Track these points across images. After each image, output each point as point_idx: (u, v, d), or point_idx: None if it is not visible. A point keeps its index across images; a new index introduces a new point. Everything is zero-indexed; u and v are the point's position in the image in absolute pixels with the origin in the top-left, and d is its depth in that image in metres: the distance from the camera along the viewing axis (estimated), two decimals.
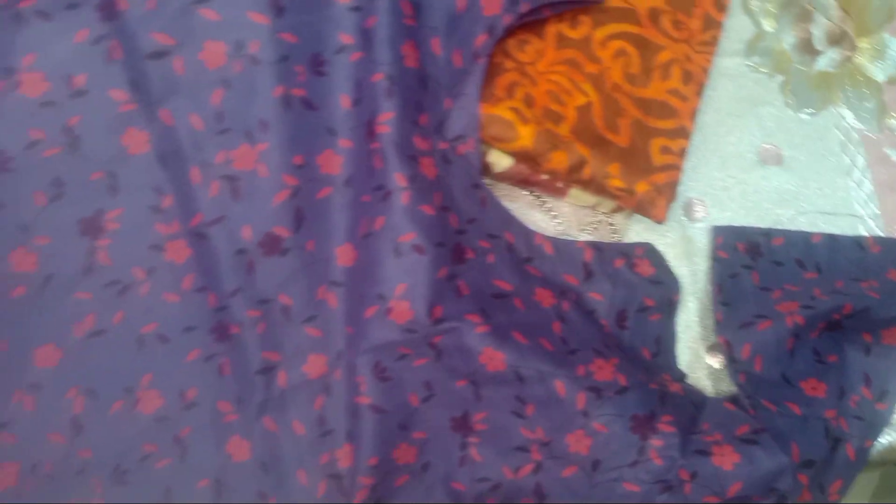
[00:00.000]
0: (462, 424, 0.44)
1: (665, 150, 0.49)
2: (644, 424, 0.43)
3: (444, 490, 0.44)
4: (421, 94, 0.45)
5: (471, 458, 0.44)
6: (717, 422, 0.44)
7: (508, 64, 0.48)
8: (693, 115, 0.51)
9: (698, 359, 0.50)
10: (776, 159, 0.54)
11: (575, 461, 0.43)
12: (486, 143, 0.47)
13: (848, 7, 0.57)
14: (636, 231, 0.51)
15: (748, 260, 0.50)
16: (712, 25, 0.54)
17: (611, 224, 0.51)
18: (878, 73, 0.57)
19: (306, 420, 0.43)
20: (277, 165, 0.42)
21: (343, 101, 0.43)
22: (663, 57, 0.52)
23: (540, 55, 0.50)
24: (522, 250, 0.47)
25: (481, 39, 0.46)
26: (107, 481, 0.41)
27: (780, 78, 0.56)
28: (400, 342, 0.43)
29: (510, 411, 0.44)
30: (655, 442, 0.43)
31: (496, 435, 0.44)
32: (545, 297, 0.47)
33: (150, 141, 0.41)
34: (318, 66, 0.42)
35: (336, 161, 0.43)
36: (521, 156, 0.47)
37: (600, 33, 0.51)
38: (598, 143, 0.48)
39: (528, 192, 0.51)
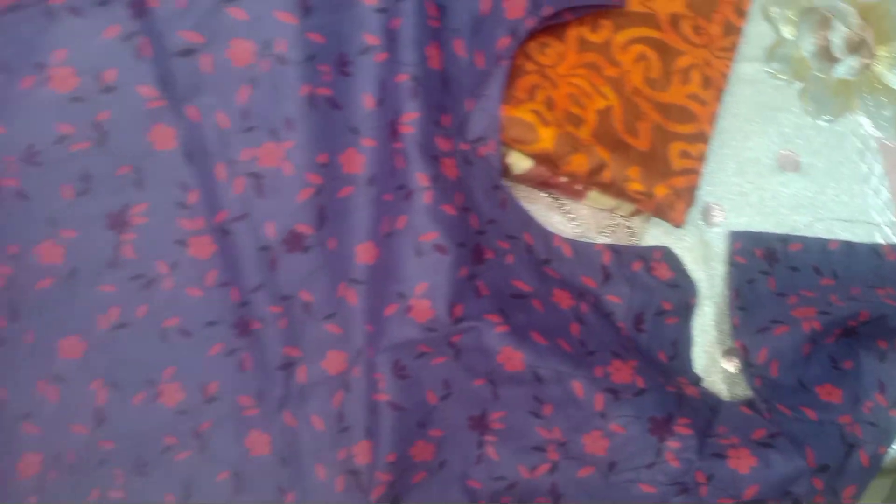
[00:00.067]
0: (479, 423, 0.44)
1: (684, 155, 0.50)
2: (661, 427, 0.44)
3: (459, 488, 0.44)
4: (444, 95, 0.45)
5: (487, 456, 0.44)
6: (733, 425, 0.45)
7: (529, 66, 0.49)
8: (712, 120, 0.51)
9: (714, 363, 0.50)
10: (794, 165, 0.55)
11: (591, 462, 0.44)
12: (507, 144, 0.47)
13: (867, 15, 0.57)
14: (654, 235, 0.52)
15: (765, 265, 0.51)
16: (732, 31, 0.54)
17: (628, 227, 0.52)
18: None
19: (325, 415, 0.43)
20: (302, 163, 0.42)
21: (367, 100, 0.43)
22: (683, 62, 0.52)
23: (561, 58, 0.50)
24: (541, 252, 0.48)
25: (504, 42, 0.46)
26: (128, 472, 0.42)
27: (798, 85, 0.56)
28: (419, 340, 0.43)
29: (528, 411, 0.44)
30: (672, 444, 0.43)
31: (513, 434, 0.44)
32: (563, 299, 0.47)
33: (177, 137, 0.42)
34: (343, 66, 0.43)
35: (358, 160, 0.43)
36: (541, 158, 0.48)
37: (621, 37, 0.51)
38: (618, 146, 0.48)
39: (546, 195, 0.52)
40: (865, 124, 0.56)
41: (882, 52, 0.58)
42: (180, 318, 0.42)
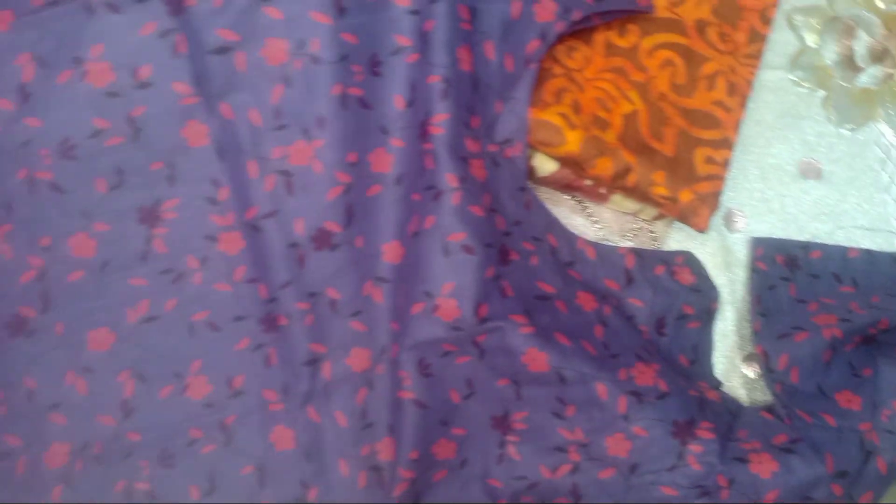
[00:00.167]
0: (502, 423, 0.45)
1: (709, 160, 0.50)
2: (684, 430, 0.44)
3: (480, 486, 0.44)
4: (473, 97, 0.45)
5: (509, 456, 0.44)
6: (753, 430, 0.45)
7: (557, 70, 0.49)
8: (737, 126, 0.52)
9: (734, 368, 0.50)
10: (816, 173, 0.55)
11: (613, 463, 0.44)
12: (533, 147, 0.48)
13: (891, 25, 0.58)
14: (676, 239, 0.52)
15: (786, 272, 0.51)
16: (757, 39, 0.54)
17: (651, 231, 0.52)
18: None
19: (349, 412, 0.43)
20: (332, 162, 0.43)
21: (397, 101, 0.43)
22: (709, 68, 0.52)
23: (588, 62, 0.50)
24: (565, 254, 0.48)
25: (533, 45, 0.46)
26: (153, 464, 0.42)
27: (821, 93, 0.57)
28: (444, 339, 0.44)
29: (550, 412, 0.44)
30: (694, 448, 0.44)
31: (535, 434, 0.44)
32: (587, 301, 0.47)
33: (210, 134, 0.42)
34: (374, 66, 0.43)
35: (387, 160, 0.44)
36: (566, 161, 0.48)
37: (648, 43, 0.52)
38: (644, 150, 0.49)
39: (569, 197, 0.52)
40: (887, 133, 0.57)
41: None
42: (209, 312, 0.43)
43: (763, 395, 0.49)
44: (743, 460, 0.44)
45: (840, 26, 0.58)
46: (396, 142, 0.44)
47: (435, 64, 0.44)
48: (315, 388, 0.44)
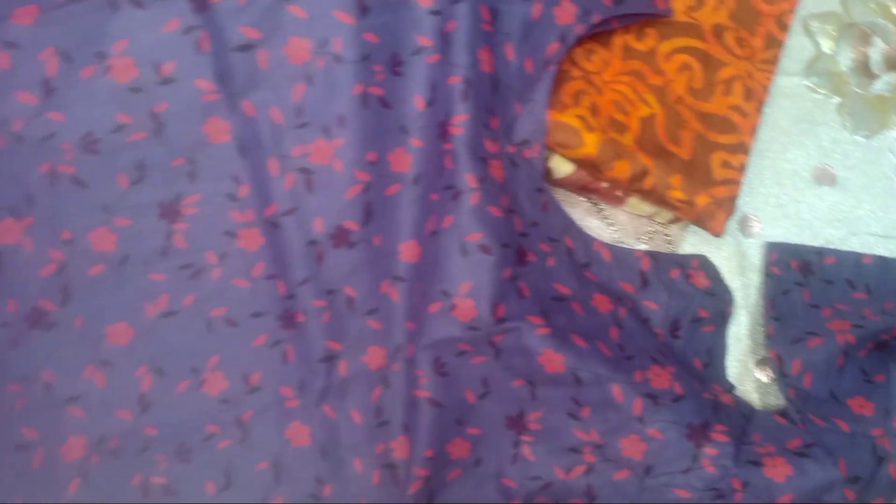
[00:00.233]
0: (516, 423, 0.45)
1: (725, 165, 0.50)
2: (699, 433, 0.44)
3: (495, 486, 0.45)
4: (493, 97, 0.46)
5: (523, 456, 0.45)
6: (767, 433, 0.45)
7: (575, 72, 0.49)
8: (753, 131, 0.52)
9: (747, 371, 0.50)
10: (830, 179, 0.55)
11: (627, 465, 0.44)
12: (550, 148, 0.48)
13: None
14: (691, 243, 0.52)
15: (800, 277, 0.51)
16: (774, 44, 0.54)
17: (666, 235, 0.52)
18: None
19: (364, 409, 0.44)
20: (351, 161, 0.43)
21: (417, 101, 0.44)
22: (726, 73, 0.52)
23: (606, 65, 0.50)
24: (581, 255, 0.48)
25: (553, 47, 0.47)
26: (170, 458, 0.42)
27: (837, 99, 0.57)
28: (461, 339, 0.44)
29: (565, 412, 0.44)
30: (709, 450, 0.44)
31: (550, 435, 0.45)
32: (602, 303, 0.47)
33: (231, 131, 0.42)
34: (395, 66, 0.43)
35: (406, 159, 0.44)
36: (583, 163, 0.48)
37: (665, 47, 0.52)
38: (661, 153, 0.49)
39: (584, 199, 0.52)
40: None
41: None
42: (227, 308, 0.43)
43: (775, 400, 0.49)
44: (757, 463, 0.44)
45: (856, 33, 0.58)
46: (416, 141, 0.44)
47: (456, 64, 0.44)
48: (331, 385, 0.44)
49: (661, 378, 0.45)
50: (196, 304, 0.43)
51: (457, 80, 0.44)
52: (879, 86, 0.57)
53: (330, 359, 0.44)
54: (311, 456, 0.43)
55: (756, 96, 0.53)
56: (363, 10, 0.42)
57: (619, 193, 0.50)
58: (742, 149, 0.51)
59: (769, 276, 0.51)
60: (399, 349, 0.44)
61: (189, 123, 0.42)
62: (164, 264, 0.43)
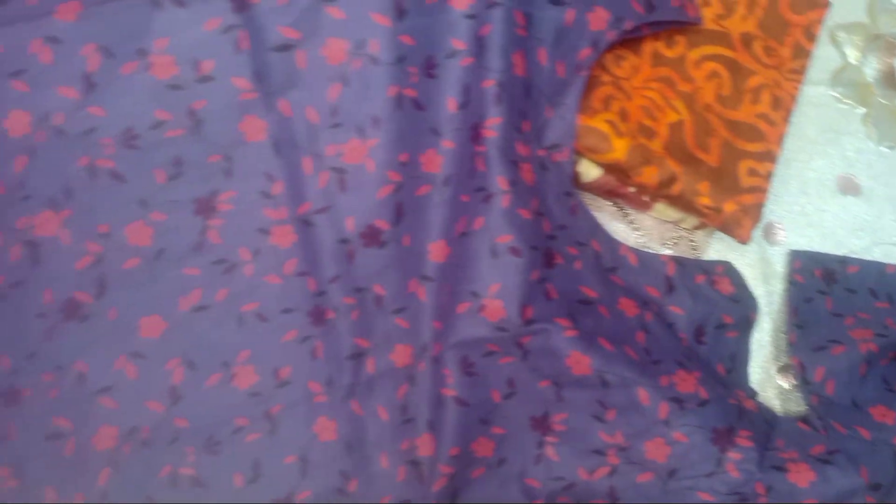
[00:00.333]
0: (541, 423, 0.45)
1: (752, 173, 0.51)
2: (723, 437, 0.44)
3: (518, 485, 0.45)
4: (525, 101, 0.46)
5: (547, 456, 0.45)
6: (790, 439, 0.46)
7: (605, 78, 0.50)
8: (780, 140, 0.52)
9: (769, 378, 0.51)
10: (854, 189, 0.55)
11: (651, 468, 0.45)
12: (578, 153, 0.48)
13: None
14: (716, 249, 0.53)
15: (823, 285, 0.51)
16: (801, 54, 0.55)
17: (691, 241, 0.53)
18: None
19: (390, 406, 0.44)
20: (384, 161, 0.44)
21: (450, 103, 0.44)
22: (754, 81, 0.53)
23: (635, 71, 0.51)
24: (608, 259, 0.49)
25: (585, 53, 0.47)
26: (199, 450, 0.43)
27: (862, 110, 0.57)
28: (489, 339, 0.45)
29: (591, 415, 0.45)
30: (734, 455, 0.44)
31: (574, 436, 0.45)
32: (629, 307, 0.48)
33: (267, 129, 0.43)
34: (429, 68, 0.44)
35: (437, 161, 0.44)
36: (612, 168, 0.49)
37: (694, 54, 0.52)
38: (689, 160, 0.49)
39: (611, 203, 0.53)
40: None
41: None
42: (258, 303, 0.44)
43: (796, 406, 0.50)
44: (781, 469, 0.44)
45: (882, 44, 0.58)
46: (447, 143, 0.44)
47: (490, 68, 0.44)
48: (359, 382, 0.44)
49: (687, 382, 0.46)
50: (228, 299, 0.44)
51: (490, 84, 0.44)
52: None
53: (358, 356, 0.44)
54: (337, 451, 0.44)
55: (784, 105, 0.53)
56: (400, 13, 0.43)
57: (646, 199, 0.51)
58: (769, 157, 0.51)
59: (792, 283, 0.51)
60: (425, 348, 0.44)
61: (226, 121, 0.43)
62: (198, 259, 0.43)
